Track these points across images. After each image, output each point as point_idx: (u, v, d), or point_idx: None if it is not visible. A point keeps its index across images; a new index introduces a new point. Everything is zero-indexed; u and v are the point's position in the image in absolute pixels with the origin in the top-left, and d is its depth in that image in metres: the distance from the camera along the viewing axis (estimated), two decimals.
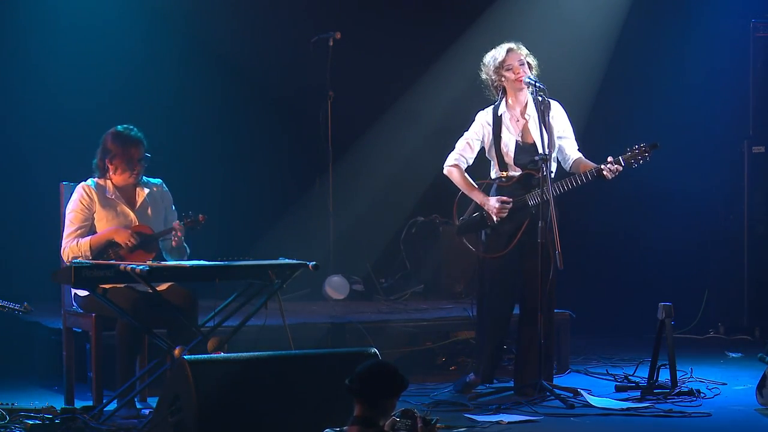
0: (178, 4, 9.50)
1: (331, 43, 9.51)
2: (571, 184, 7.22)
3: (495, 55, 7.36)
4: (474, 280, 7.84)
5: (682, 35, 10.20)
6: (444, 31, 10.06)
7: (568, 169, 7.38)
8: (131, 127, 6.99)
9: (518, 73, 7.28)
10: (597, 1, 10.15)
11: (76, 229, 6.90)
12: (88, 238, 6.85)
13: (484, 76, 7.43)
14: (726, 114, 10.08)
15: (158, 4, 9.44)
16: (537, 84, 7.19)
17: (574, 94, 9.53)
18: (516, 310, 7.46)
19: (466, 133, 7.46)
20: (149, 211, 7.03)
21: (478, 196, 7.34)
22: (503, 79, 7.33)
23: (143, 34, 9.43)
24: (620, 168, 7.16)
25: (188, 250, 6.96)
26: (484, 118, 7.42)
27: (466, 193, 7.40)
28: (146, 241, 6.86)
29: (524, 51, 7.37)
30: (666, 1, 10.30)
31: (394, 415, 5.10)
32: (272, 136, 9.98)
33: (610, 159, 7.18)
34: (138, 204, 7.02)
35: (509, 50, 7.33)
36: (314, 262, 6.51)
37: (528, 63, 7.34)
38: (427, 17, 10.14)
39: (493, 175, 7.45)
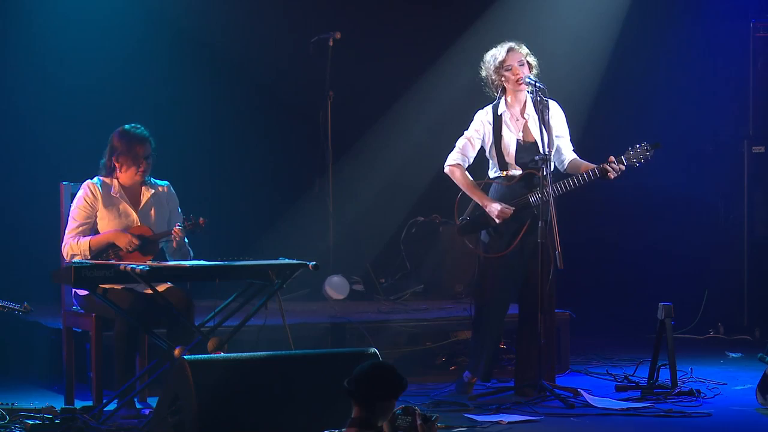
0: (177, 4, 9.49)
1: (331, 43, 9.49)
2: (574, 184, 7.21)
3: (495, 54, 7.35)
4: (474, 279, 7.84)
5: (682, 35, 10.19)
6: (444, 32, 10.05)
7: (563, 169, 7.37)
8: (138, 125, 6.99)
9: (517, 74, 7.28)
10: (597, 0, 10.15)
11: (78, 227, 6.89)
12: (88, 238, 6.85)
13: (483, 74, 7.43)
14: (726, 114, 10.08)
15: (158, 4, 9.44)
16: (537, 84, 7.19)
17: (574, 94, 9.53)
18: (515, 310, 7.47)
19: (466, 131, 7.45)
20: (153, 212, 7.02)
21: (479, 198, 7.33)
22: (503, 78, 7.34)
23: (143, 35, 9.42)
24: (623, 168, 7.15)
25: (192, 253, 6.94)
26: (484, 117, 7.41)
27: (467, 193, 7.38)
28: (146, 244, 6.86)
29: (524, 50, 7.36)
30: (666, 2, 10.30)
31: (395, 411, 5.09)
32: (272, 136, 9.97)
33: (611, 158, 7.17)
34: (142, 204, 7.01)
35: (510, 50, 7.32)
36: (314, 262, 6.50)
37: (528, 63, 7.34)
38: (427, 17, 10.13)
39: (492, 174, 7.44)
